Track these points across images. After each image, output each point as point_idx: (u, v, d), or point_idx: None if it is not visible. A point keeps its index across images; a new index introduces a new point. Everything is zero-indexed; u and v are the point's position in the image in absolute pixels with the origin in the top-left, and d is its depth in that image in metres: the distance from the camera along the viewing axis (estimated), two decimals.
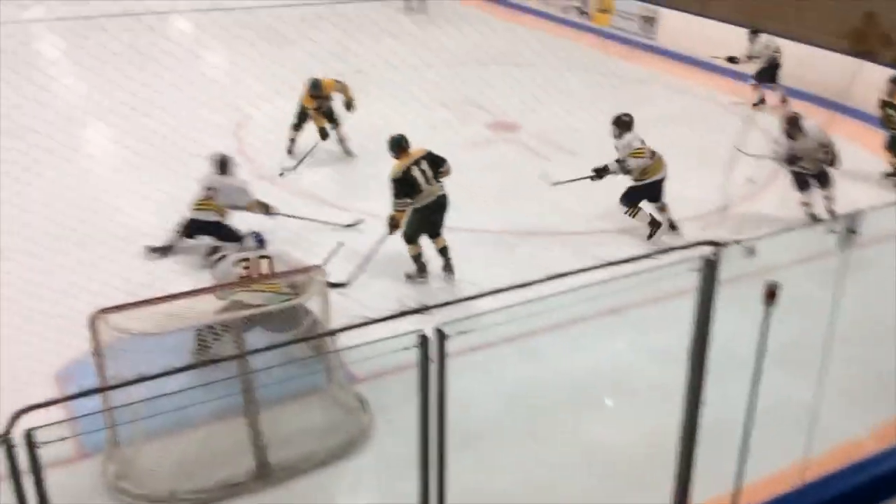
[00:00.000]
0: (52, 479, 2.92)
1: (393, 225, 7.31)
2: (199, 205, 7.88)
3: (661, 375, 5.76)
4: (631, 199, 8.26)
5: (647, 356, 6.33)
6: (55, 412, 2.85)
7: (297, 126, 10.21)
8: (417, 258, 7.46)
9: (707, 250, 3.57)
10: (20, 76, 9.88)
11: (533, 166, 8.52)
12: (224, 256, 6.29)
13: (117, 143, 10.00)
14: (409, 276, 7.48)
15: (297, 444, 5.32)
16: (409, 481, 3.60)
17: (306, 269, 5.73)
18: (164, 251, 7.84)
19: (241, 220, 7.96)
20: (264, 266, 5.95)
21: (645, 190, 8.24)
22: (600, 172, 8.34)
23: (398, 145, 7.38)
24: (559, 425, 5.67)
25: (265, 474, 5.18)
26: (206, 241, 7.86)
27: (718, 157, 8.88)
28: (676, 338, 3.98)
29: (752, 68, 12.53)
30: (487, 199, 9.03)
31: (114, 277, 6.61)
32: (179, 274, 6.63)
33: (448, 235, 7.89)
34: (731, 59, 12.57)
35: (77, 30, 14.70)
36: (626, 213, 8.27)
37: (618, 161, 8.22)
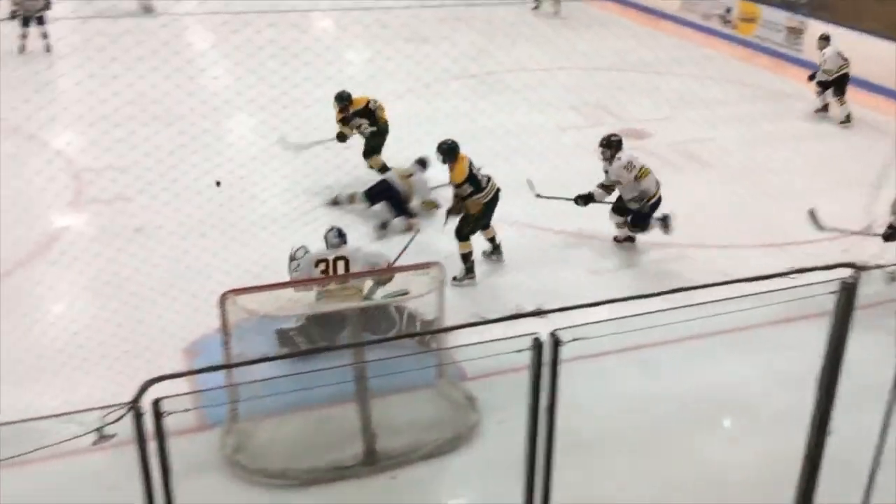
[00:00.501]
0: (173, 447, 3.05)
1: (459, 212, 7.36)
2: (401, 174, 8.63)
3: (786, 399, 5.51)
4: (644, 222, 7.85)
5: (772, 378, 6.05)
6: (181, 384, 3.00)
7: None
8: (468, 257, 7.40)
9: (846, 273, 3.37)
10: (171, 66, 10.47)
11: (661, 177, 8.28)
12: (306, 252, 6.46)
13: (256, 132, 10.44)
14: (456, 280, 7.34)
15: (405, 435, 5.39)
16: (513, 483, 3.58)
17: (425, 266, 5.80)
18: (336, 202, 8.72)
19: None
20: (341, 268, 6.07)
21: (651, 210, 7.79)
22: (585, 200, 7.86)
23: (454, 151, 7.31)
24: (671, 441, 5.50)
25: (372, 461, 5.28)
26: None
27: (864, 176, 8.40)
28: (804, 361, 3.78)
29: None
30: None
31: (245, 261, 6.91)
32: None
33: (574, 241, 7.83)
34: (821, 83, 11.84)
35: (225, 24, 15.42)
36: (637, 232, 7.93)
37: (602, 186, 7.81)
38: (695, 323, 3.47)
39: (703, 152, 10.23)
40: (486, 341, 3.24)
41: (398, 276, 5.89)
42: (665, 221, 7.85)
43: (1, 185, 7.82)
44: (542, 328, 3.10)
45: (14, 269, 7.25)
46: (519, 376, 3.73)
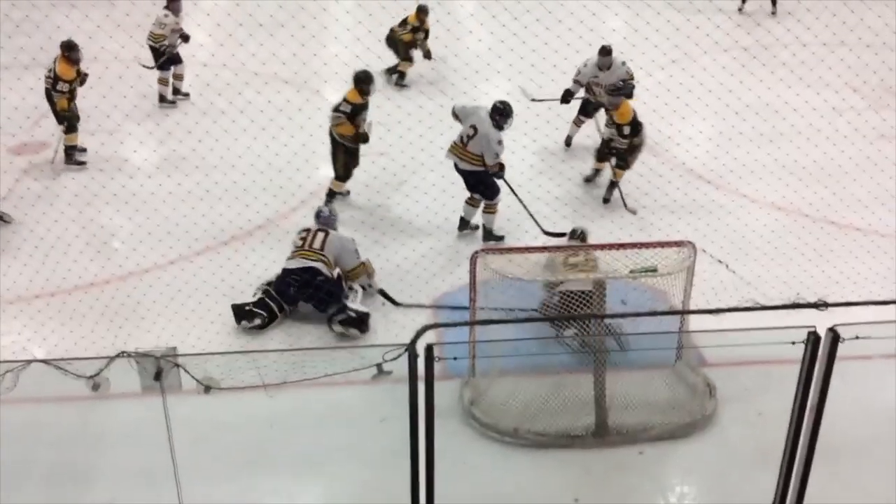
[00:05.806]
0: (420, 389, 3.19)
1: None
2: None
3: None
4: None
5: None
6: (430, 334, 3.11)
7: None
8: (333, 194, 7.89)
9: None
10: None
11: None
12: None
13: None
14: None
15: (637, 414, 5.33)
16: (747, 476, 3.39)
17: (677, 244, 5.60)
18: None
19: None
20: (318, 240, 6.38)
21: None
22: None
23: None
24: None
25: (602, 433, 5.27)
26: None
27: None
28: None
29: None
30: None
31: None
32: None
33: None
34: None
35: None
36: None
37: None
38: None
39: None
40: (753, 329, 3.07)
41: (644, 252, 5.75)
42: None
43: None
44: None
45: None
46: (764, 369, 3.47)
